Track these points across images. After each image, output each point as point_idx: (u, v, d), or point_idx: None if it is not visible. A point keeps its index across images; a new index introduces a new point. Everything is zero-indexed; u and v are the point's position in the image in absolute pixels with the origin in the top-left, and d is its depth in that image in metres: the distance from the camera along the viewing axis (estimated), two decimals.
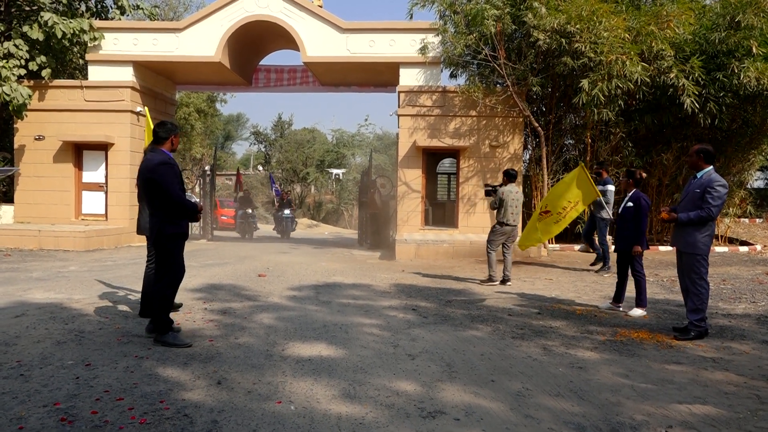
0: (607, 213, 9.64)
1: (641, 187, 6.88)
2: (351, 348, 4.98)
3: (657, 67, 11.27)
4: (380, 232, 15.45)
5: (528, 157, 14.75)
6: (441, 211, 15.11)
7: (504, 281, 8.65)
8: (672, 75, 11.06)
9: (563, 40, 11.26)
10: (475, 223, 13.42)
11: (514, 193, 8.75)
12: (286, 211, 19.61)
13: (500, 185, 9.05)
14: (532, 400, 3.83)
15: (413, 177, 13.56)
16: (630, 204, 6.59)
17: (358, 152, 41.33)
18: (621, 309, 6.73)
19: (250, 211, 19.27)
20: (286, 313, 6.41)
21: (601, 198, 8.82)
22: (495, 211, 8.99)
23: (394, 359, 4.68)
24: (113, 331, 5.37)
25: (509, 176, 8.88)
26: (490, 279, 8.73)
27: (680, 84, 11.03)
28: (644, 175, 7.05)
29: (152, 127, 6.18)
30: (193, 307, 6.58)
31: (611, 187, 10.17)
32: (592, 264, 10.48)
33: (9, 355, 4.52)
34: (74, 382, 3.93)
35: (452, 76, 14.17)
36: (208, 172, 17.05)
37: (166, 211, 4.89)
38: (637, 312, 6.55)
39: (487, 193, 9.44)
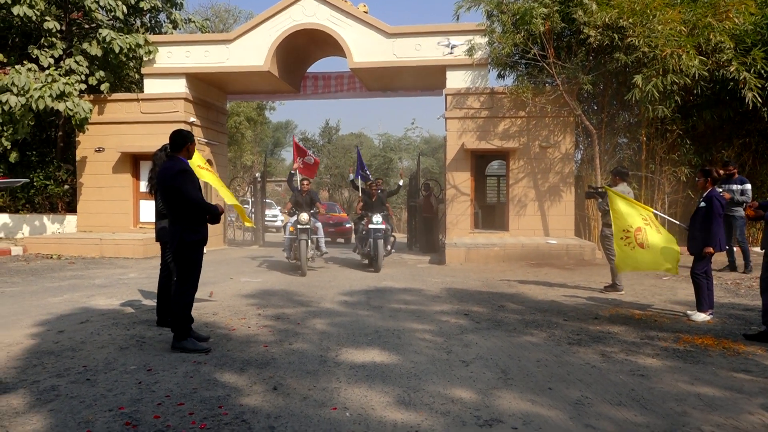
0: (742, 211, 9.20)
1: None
2: (404, 354, 4.96)
3: (716, 60, 10.85)
4: (432, 236, 15.34)
5: (580, 157, 14.43)
6: (491, 214, 14.97)
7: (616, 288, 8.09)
8: (732, 68, 10.62)
9: (615, 35, 10.99)
10: (526, 225, 13.20)
11: (626, 194, 7.81)
12: (376, 219, 10.78)
13: (601, 187, 8.62)
14: (593, 408, 3.71)
15: (462, 180, 13.45)
16: (703, 204, 6.32)
17: (405, 156, 41.35)
18: (711, 314, 6.34)
19: (306, 218, 10.08)
20: (338, 318, 6.44)
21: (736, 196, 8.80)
22: (602, 215, 8.26)
23: (447, 365, 4.63)
24: (172, 336, 5.51)
25: (621, 175, 8.07)
26: (615, 287, 8.04)
27: (741, 77, 10.58)
28: (722, 173, 6.69)
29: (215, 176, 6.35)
30: (248, 312, 6.70)
31: (749, 185, 9.63)
32: (721, 270, 9.68)
33: (76, 360, 4.70)
34: (137, 386, 4.05)
35: (500, 76, 14.04)
36: (259, 179, 17.39)
37: (188, 217, 4.99)
38: (700, 317, 6.28)
39: (589, 195, 8.98)
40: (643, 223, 6.69)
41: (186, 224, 4.98)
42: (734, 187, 9.53)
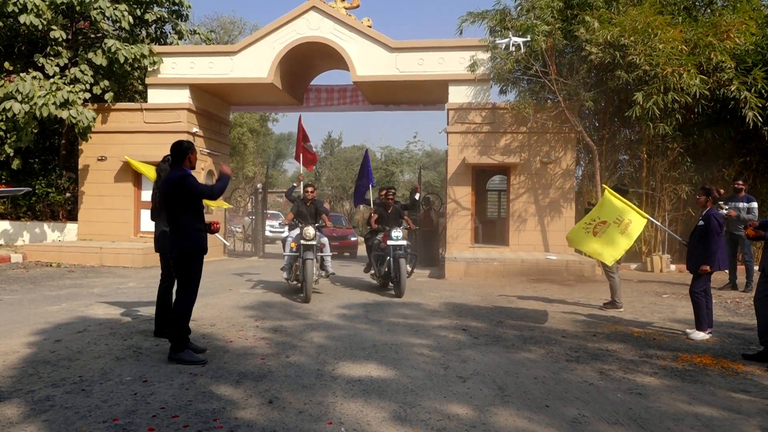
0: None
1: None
2: (401, 369, 4.94)
3: (716, 79, 10.91)
4: (432, 250, 15.29)
5: (581, 173, 14.46)
6: (491, 228, 14.94)
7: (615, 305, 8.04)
8: (733, 87, 10.67)
9: (617, 53, 11.05)
10: (526, 240, 13.19)
11: None
12: (396, 234, 9.25)
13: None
14: (589, 427, 3.69)
15: (463, 194, 13.46)
16: (701, 222, 6.33)
17: (406, 169, 41.45)
18: (710, 332, 6.32)
19: (312, 233, 8.62)
20: (336, 331, 6.42)
21: (727, 213, 8.64)
22: None
23: (444, 381, 4.61)
24: (169, 347, 5.49)
25: (621, 192, 7.89)
26: (614, 304, 7.99)
27: (742, 97, 10.63)
28: (722, 191, 6.73)
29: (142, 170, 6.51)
30: (245, 324, 6.68)
31: (755, 204, 9.61)
32: (722, 288, 9.73)
33: (72, 370, 4.68)
34: (132, 398, 4.04)
35: (502, 92, 14.10)
36: (260, 190, 17.42)
37: (192, 217, 5.04)
38: (699, 335, 6.26)
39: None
40: (614, 222, 6.85)
41: (185, 232, 4.99)
42: (740, 204, 9.51)
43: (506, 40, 11.38)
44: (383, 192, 10.30)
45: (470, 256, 12.27)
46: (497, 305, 8.40)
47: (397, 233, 9.23)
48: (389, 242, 9.19)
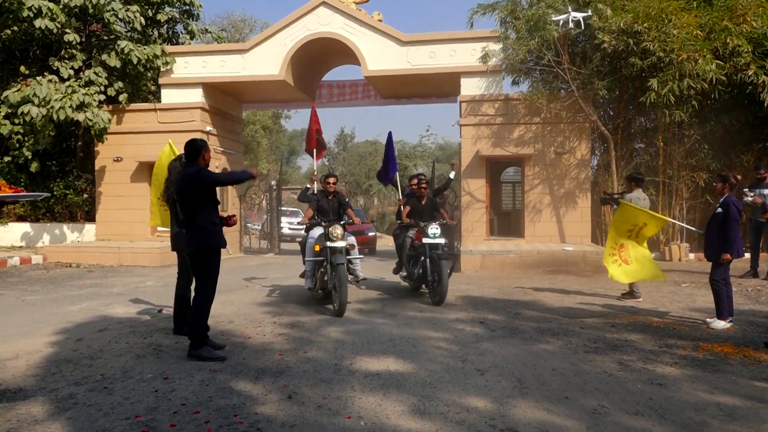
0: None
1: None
2: (419, 362, 4.95)
3: (733, 64, 10.74)
4: (447, 243, 15.20)
5: (596, 163, 14.33)
6: (506, 220, 14.89)
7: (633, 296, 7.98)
8: (750, 72, 10.51)
9: (630, 40, 10.91)
10: (542, 232, 13.11)
11: (642, 200, 7.67)
12: (432, 231, 7.97)
13: (621, 193, 8.49)
14: (610, 418, 3.67)
15: (477, 187, 13.41)
16: (719, 210, 6.24)
17: (420, 163, 41.41)
18: (730, 321, 6.25)
19: (340, 232, 7.27)
20: (353, 326, 6.44)
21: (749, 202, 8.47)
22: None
23: (463, 374, 4.61)
24: (188, 344, 5.54)
25: (636, 181, 7.90)
26: (633, 294, 7.90)
27: (760, 81, 10.48)
28: (739, 178, 6.65)
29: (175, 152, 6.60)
30: (263, 320, 6.73)
31: None
32: (743, 276, 9.51)
33: (93, 368, 4.75)
34: (153, 395, 4.09)
35: (514, 83, 14.01)
36: (275, 187, 17.49)
37: (209, 212, 5.06)
38: (720, 324, 6.18)
39: (604, 201, 8.89)
40: (627, 239, 6.98)
41: (203, 227, 5.03)
42: (766, 191, 9.34)
43: (564, 16, 10.50)
44: (414, 181, 9.09)
45: (486, 248, 12.24)
46: (514, 297, 8.37)
47: (434, 230, 7.95)
48: (425, 240, 7.97)
